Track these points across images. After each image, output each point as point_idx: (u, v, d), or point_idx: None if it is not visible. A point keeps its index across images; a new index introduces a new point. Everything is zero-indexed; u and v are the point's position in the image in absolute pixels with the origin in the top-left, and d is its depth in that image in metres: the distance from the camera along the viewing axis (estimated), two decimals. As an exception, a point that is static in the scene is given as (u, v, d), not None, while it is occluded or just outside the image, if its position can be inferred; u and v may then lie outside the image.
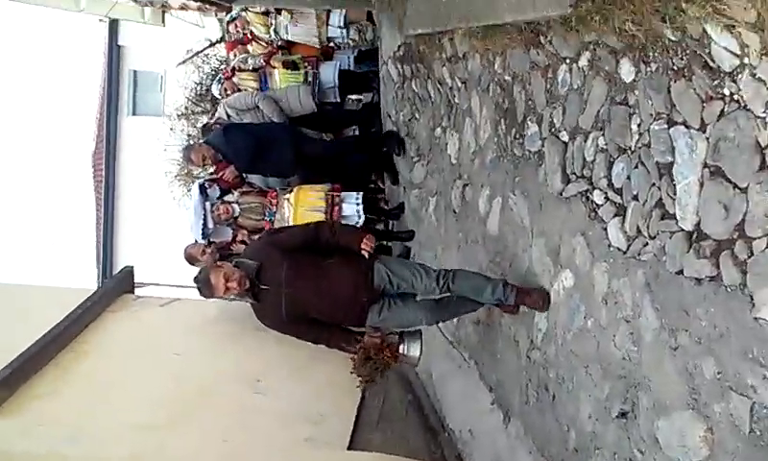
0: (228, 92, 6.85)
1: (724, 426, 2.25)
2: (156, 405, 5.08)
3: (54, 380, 5.46)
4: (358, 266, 3.61)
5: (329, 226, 3.93)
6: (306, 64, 6.73)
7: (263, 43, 6.87)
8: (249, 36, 7.05)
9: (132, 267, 7.21)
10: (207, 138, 6.13)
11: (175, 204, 11.43)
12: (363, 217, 5.67)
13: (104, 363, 5.74)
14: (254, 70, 6.77)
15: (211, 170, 6.38)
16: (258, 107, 6.08)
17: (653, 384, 2.63)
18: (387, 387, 5.28)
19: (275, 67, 6.70)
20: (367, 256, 3.58)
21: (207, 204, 5.74)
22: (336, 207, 5.61)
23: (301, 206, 5.57)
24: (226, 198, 5.82)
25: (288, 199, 5.61)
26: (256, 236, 5.59)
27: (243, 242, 5.70)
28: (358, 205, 5.70)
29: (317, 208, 5.57)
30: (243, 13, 7.03)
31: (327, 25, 6.79)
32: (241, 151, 5.72)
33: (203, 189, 5.82)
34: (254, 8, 6.87)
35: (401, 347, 3.78)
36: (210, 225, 5.77)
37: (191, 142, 8.87)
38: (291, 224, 5.47)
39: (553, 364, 3.40)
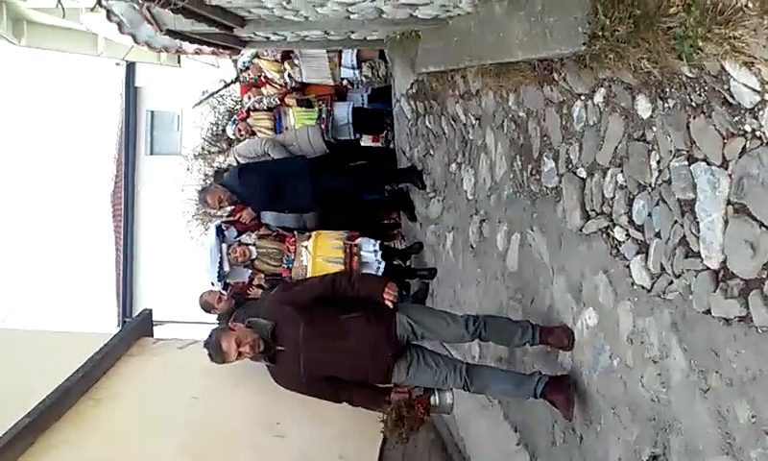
0: (243, 133, 6.89)
1: (761, 473, 2.17)
2: (176, 453, 5.04)
3: (73, 429, 5.45)
4: (379, 319, 3.40)
5: (347, 276, 3.66)
6: (320, 102, 6.75)
7: (277, 86, 6.91)
8: (263, 79, 7.10)
9: (151, 310, 7.23)
10: (223, 180, 6.11)
11: (193, 242, 11.48)
12: (383, 263, 5.58)
13: (122, 410, 5.72)
14: (269, 109, 6.80)
15: (228, 210, 6.36)
16: (268, 153, 6.07)
17: (684, 427, 2.55)
18: (409, 428, 5.20)
19: (289, 106, 6.74)
20: (390, 306, 3.40)
21: (224, 246, 5.68)
22: (355, 257, 5.49)
23: (320, 255, 5.47)
24: (242, 239, 5.76)
25: (306, 246, 5.52)
26: (273, 282, 5.52)
27: (260, 286, 5.61)
28: (376, 251, 5.61)
29: (335, 260, 5.46)
30: (255, 61, 7.07)
31: (340, 66, 6.80)
32: (256, 191, 5.69)
33: (219, 231, 5.78)
34: (266, 55, 6.92)
35: (432, 398, 3.59)
36: (226, 267, 5.70)
37: (207, 184, 8.84)
38: (309, 273, 5.40)
39: (579, 405, 3.31)
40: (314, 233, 5.61)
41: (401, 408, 3.45)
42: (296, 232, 5.69)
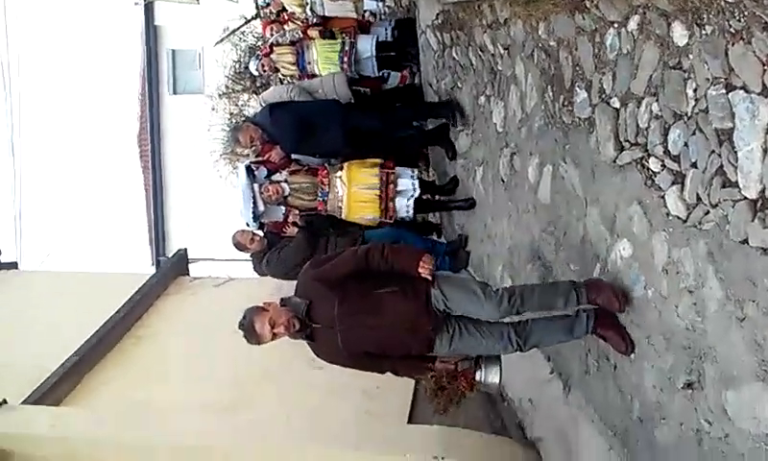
0: (266, 69, 6.83)
1: (797, 398, 2.20)
2: (220, 386, 5.24)
3: (118, 366, 5.69)
4: (415, 291, 3.23)
5: (380, 251, 3.30)
6: (344, 35, 6.64)
7: (299, 21, 6.80)
8: (285, 16, 6.98)
9: (186, 249, 7.40)
10: (254, 118, 6.07)
11: (221, 181, 11.58)
12: (418, 190, 5.48)
13: (165, 347, 5.94)
14: (292, 43, 6.72)
15: (257, 151, 6.18)
16: (294, 100, 6.02)
17: (719, 355, 2.58)
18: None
19: (312, 39, 6.64)
20: (429, 279, 3.22)
21: (255, 185, 5.58)
22: (391, 185, 5.38)
23: (355, 184, 5.37)
24: (274, 177, 5.67)
25: (340, 177, 5.39)
26: (308, 218, 5.57)
27: (295, 223, 5.57)
28: (413, 179, 5.48)
29: (371, 186, 5.36)
30: None
31: None
32: (288, 131, 5.57)
33: (249, 171, 5.67)
34: None
35: (478, 374, 3.46)
36: (261, 207, 5.64)
37: (238, 122, 8.76)
38: (345, 204, 5.38)
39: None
40: (346, 164, 5.47)
41: (443, 378, 3.39)
42: (327, 165, 5.59)
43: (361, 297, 3.23)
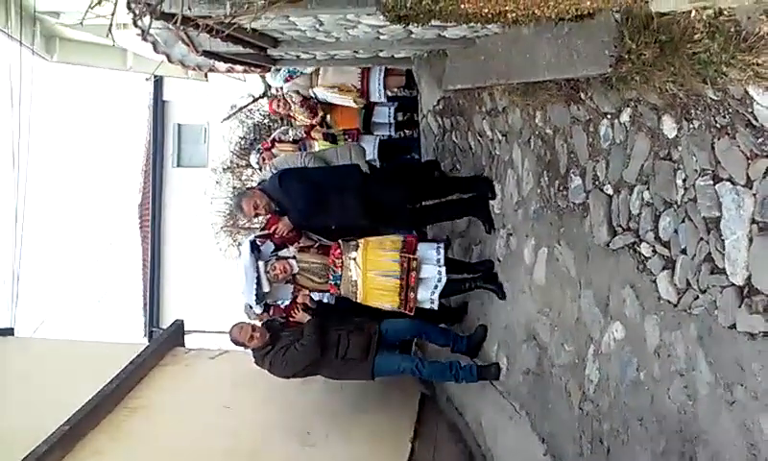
0: (267, 163, 6.55)
1: (787, 484, 2.23)
2: (210, 461, 5.17)
3: (109, 437, 5.61)
4: None
5: None
6: (346, 137, 6.76)
7: (304, 117, 6.90)
8: (291, 116, 7.12)
9: (183, 320, 7.40)
10: (262, 185, 5.48)
11: (221, 254, 11.66)
12: (444, 279, 4.76)
13: (157, 419, 5.87)
14: (294, 142, 6.80)
15: (262, 221, 5.83)
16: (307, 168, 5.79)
17: (711, 439, 2.61)
18: (437, 439, 5.29)
19: (315, 140, 6.76)
20: None
21: (260, 263, 5.03)
22: (413, 272, 4.69)
23: (372, 269, 4.74)
24: (282, 253, 5.15)
25: (355, 259, 4.75)
26: (319, 306, 5.20)
27: (305, 306, 5.10)
28: (439, 261, 4.77)
29: (390, 273, 4.71)
30: (287, 95, 6.98)
31: (366, 95, 6.73)
32: (299, 198, 4.88)
33: (254, 247, 5.14)
34: (297, 105, 6.86)
35: None
36: (266, 287, 5.08)
37: (244, 189, 8.33)
38: (360, 290, 4.78)
39: (606, 416, 3.39)
40: (362, 242, 4.80)
41: None
42: (341, 242, 4.88)
43: None
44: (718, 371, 2.56)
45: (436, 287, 4.75)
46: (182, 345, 7.23)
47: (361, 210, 4.90)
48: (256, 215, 5.19)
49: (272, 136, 7.05)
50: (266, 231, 5.34)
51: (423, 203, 5.43)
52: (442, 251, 4.82)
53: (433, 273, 4.76)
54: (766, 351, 2.30)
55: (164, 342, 6.94)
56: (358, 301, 4.87)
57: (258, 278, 5.02)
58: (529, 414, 4.37)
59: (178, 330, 7.18)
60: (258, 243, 5.19)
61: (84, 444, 5.51)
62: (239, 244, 8.50)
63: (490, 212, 5.02)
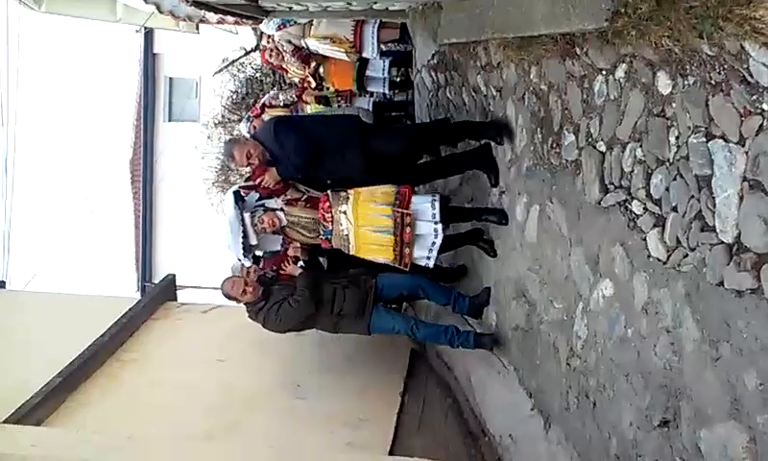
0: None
1: (767, 437, 2.26)
2: (202, 413, 5.24)
3: (102, 389, 5.67)
4: None
5: None
6: (339, 99, 6.67)
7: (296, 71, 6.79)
8: (284, 68, 6.99)
9: (174, 275, 7.42)
10: (255, 133, 5.32)
11: (213, 210, 11.65)
12: (441, 236, 4.55)
13: (150, 371, 5.93)
14: (286, 106, 6.71)
15: (247, 172, 5.58)
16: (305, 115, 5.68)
17: (694, 394, 2.65)
18: (427, 392, 5.36)
19: (307, 103, 6.66)
20: None
21: (246, 215, 4.83)
22: (407, 228, 4.47)
23: (363, 224, 4.53)
24: (268, 204, 4.89)
25: (345, 213, 4.55)
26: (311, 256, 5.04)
27: (296, 259, 4.98)
28: (435, 217, 4.54)
29: (383, 229, 4.51)
30: (278, 44, 6.84)
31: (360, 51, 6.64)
32: (295, 149, 4.60)
33: (238, 198, 4.89)
34: (288, 57, 6.72)
35: None
36: (253, 240, 4.87)
37: (237, 137, 7.92)
38: (353, 244, 4.63)
39: (593, 372, 3.43)
40: (352, 194, 4.58)
41: None
42: (329, 194, 4.65)
43: None
44: (704, 328, 2.58)
45: (433, 244, 4.55)
46: (174, 299, 7.27)
47: (362, 164, 4.64)
48: (249, 165, 4.91)
49: (261, 101, 6.93)
50: (251, 183, 5.06)
51: (426, 158, 5.17)
52: (437, 205, 4.57)
53: (429, 230, 4.54)
54: (752, 308, 2.32)
55: (156, 296, 6.97)
56: (351, 253, 4.73)
57: (245, 230, 4.82)
58: (517, 370, 4.43)
59: (169, 285, 7.20)
60: (243, 194, 4.94)
61: (77, 396, 5.57)
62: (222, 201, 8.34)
63: (495, 163, 4.71)
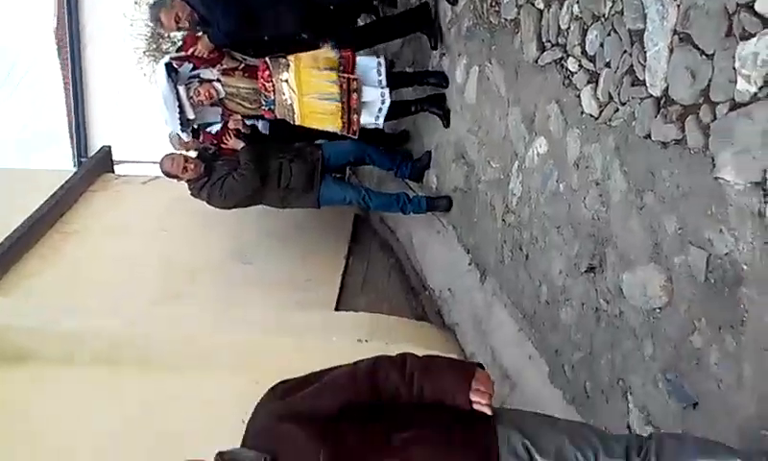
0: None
1: (682, 276, 2.46)
2: (147, 281, 5.28)
3: (44, 260, 5.64)
4: (468, 438, 1.81)
5: (398, 367, 1.89)
6: None
7: None
8: None
9: (110, 146, 7.24)
10: None
11: (146, 80, 11.18)
12: (388, 101, 4.38)
13: (91, 242, 5.90)
14: None
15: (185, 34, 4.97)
16: None
17: (619, 241, 2.83)
18: (370, 254, 5.53)
19: None
20: (488, 413, 1.82)
21: (181, 88, 4.53)
22: (354, 94, 4.28)
23: (307, 92, 4.32)
24: (203, 74, 4.59)
25: (287, 81, 4.31)
26: (254, 132, 4.78)
27: (237, 132, 4.70)
28: (381, 82, 4.38)
29: (328, 97, 4.32)
30: None
31: None
32: (222, 15, 4.30)
33: (170, 70, 4.53)
34: None
35: None
36: (190, 113, 4.61)
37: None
38: (297, 114, 4.39)
39: (527, 226, 3.60)
40: (293, 60, 4.30)
41: None
42: (268, 61, 4.36)
43: (369, 448, 1.78)
44: (631, 179, 2.72)
45: (380, 110, 4.41)
46: (112, 171, 7.12)
47: (299, 19, 4.38)
48: (179, 29, 4.54)
49: None
50: (183, 53, 4.69)
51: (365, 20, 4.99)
52: (383, 70, 4.40)
53: (375, 96, 4.38)
54: (676, 158, 2.45)
55: (92, 168, 6.83)
56: (296, 123, 4.53)
57: (180, 104, 4.54)
58: (456, 228, 4.59)
59: (106, 156, 7.04)
60: (175, 66, 4.56)
61: (18, 267, 5.53)
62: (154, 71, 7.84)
63: (434, 25, 4.59)
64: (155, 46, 10.72)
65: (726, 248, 2.19)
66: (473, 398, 1.83)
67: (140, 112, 11.29)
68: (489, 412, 1.83)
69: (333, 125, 4.44)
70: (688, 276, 2.42)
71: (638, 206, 2.69)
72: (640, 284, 2.69)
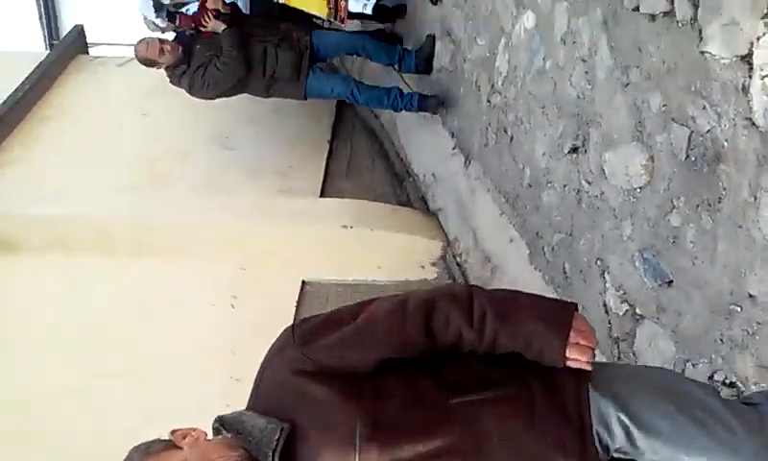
0: None
1: (663, 155, 2.43)
2: (129, 166, 5.22)
3: (24, 146, 5.55)
4: (558, 405, 1.39)
5: (463, 303, 1.39)
6: None
7: None
8: None
9: (83, 25, 6.96)
10: None
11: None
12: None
13: (71, 126, 5.79)
14: None
15: None
16: None
17: (603, 120, 2.78)
18: (354, 139, 5.46)
19: None
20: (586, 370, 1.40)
21: None
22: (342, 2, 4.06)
23: None
24: None
25: None
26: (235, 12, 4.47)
27: (217, 13, 4.37)
28: None
29: None
30: None
31: None
32: None
33: None
34: None
35: None
36: None
37: None
38: None
39: (512, 107, 3.53)
40: None
41: None
42: None
43: (419, 414, 1.34)
44: (617, 55, 2.64)
45: (365, 6, 4.15)
46: (86, 53, 6.89)
47: None
48: None
49: None
50: None
51: None
52: None
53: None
54: (663, 31, 2.37)
55: (66, 48, 6.59)
56: (281, 2, 4.21)
57: None
58: (440, 113, 4.51)
59: (79, 36, 6.78)
60: None
61: (-1, 152, 5.44)
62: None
63: None
64: None
65: (708, 125, 2.15)
66: (571, 355, 1.37)
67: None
68: (590, 369, 1.39)
69: (319, 9, 4.16)
70: (670, 154, 2.39)
71: (624, 83, 2.62)
72: (622, 164, 2.67)
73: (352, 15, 4.26)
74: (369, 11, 4.20)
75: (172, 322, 4.08)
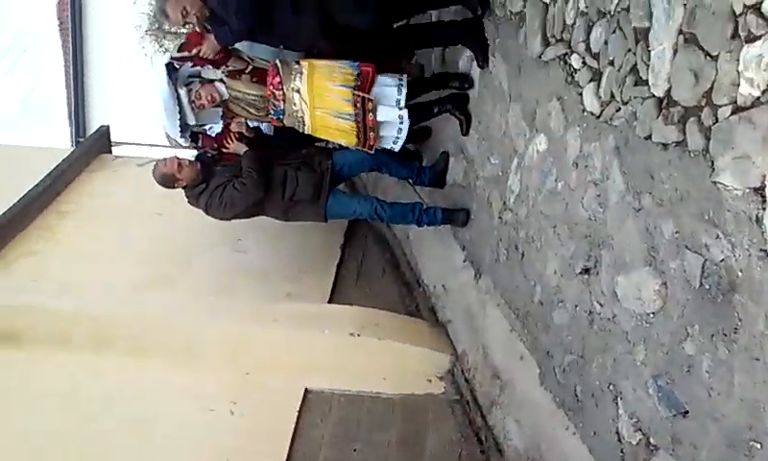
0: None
1: (677, 281, 2.42)
2: (141, 264, 5.25)
3: (39, 240, 5.62)
4: None
5: None
6: None
7: None
8: None
9: (109, 126, 7.19)
10: None
11: (146, 61, 11.12)
12: (407, 122, 4.05)
13: (88, 222, 5.88)
14: None
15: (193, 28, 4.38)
16: None
17: (615, 243, 2.79)
18: (365, 247, 5.49)
19: None
20: None
21: (182, 91, 4.20)
22: (370, 114, 3.98)
23: (320, 107, 3.98)
24: (205, 74, 4.23)
25: (299, 91, 3.96)
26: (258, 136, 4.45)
27: (240, 135, 4.34)
28: (399, 102, 4.03)
29: (342, 115, 3.99)
30: None
31: None
32: (237, 11, 3.75)
33: (170, 70, 4.19)
34: None
35: None
36: (191, 119, 4.30)
37: None
38: (308, 125, 4.09)
39: (523, 224, 3.56)
40: (306, 67, 3.97)
41: None
42: (279, 65, 4.01)
43: None
44: (630, 180, 2.68)
45: (400, 131, 4.08)
46: (109, 152, 7.08)
47: (320, 29, 3.83)
48: (185, 24, 4.08)
49: None
50: (186, 53, 4.25)
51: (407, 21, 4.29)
52: (404, 90, 4.02)
53: (393, 117, 4.03)
54: (675, 160, 2.41)
55: (90, 147, 6.79)
56: (306, 133, 4.19)
57: (181, 108, 4.21)
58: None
59: (104, 136, 6.99)
60: (176, 66, 4.24)
61: (14, 246, 5.50)
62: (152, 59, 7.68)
63: (486, 39, 3.93)
64: (156, 26, 10.65)
65: (722, 254, 2.15)
66: None
67: (140, 93, 11.24)
68: None
69: (348, 141, 4.14)
70: (683, 281, 2.38)
71: (636, 208, 2.64)
72: (635, 288, 2.65)
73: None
74: (397, 148, 4.20)
75: (169, 425, 3.99)
